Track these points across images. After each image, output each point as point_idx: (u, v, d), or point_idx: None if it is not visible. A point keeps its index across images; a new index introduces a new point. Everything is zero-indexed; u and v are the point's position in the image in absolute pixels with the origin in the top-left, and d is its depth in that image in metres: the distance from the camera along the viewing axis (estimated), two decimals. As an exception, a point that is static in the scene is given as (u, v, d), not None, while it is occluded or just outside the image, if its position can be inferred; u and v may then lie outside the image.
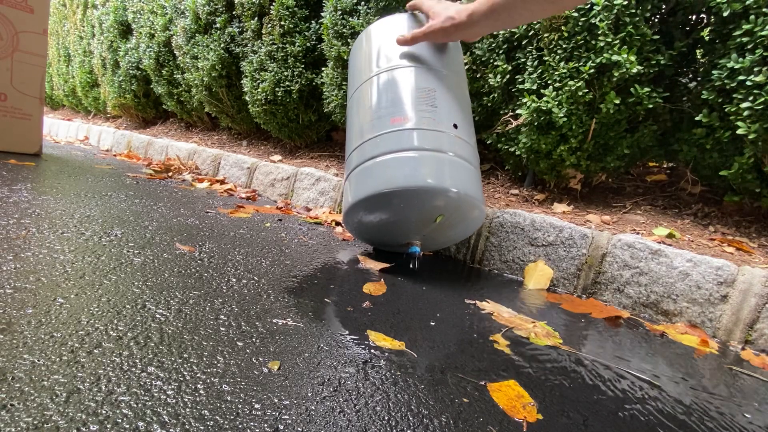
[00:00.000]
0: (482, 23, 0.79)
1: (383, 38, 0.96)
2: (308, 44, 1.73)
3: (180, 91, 2.53)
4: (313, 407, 0.40)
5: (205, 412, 0.37)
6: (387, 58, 0.93)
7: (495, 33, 1.20)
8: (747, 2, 0.91)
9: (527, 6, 0.75)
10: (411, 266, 0.91)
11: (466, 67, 1.28)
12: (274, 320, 0.57)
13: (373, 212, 0.88)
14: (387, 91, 0.89)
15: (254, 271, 0.76)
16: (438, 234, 0.95)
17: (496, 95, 1.25)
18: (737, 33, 0.93)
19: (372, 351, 0.54)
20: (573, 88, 1.04)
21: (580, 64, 1.04)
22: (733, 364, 0.71)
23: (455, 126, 0.86)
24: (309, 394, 0.42)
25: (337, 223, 1.30)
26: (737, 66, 0.92)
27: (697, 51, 1.11)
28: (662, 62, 1.04)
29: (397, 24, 0.96)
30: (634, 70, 1.00)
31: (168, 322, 0.52)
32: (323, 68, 1.65)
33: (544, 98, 1.09)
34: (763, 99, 0.88)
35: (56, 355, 0.41)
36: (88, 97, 3.66)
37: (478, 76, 1.28)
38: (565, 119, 1.08)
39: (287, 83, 1.77)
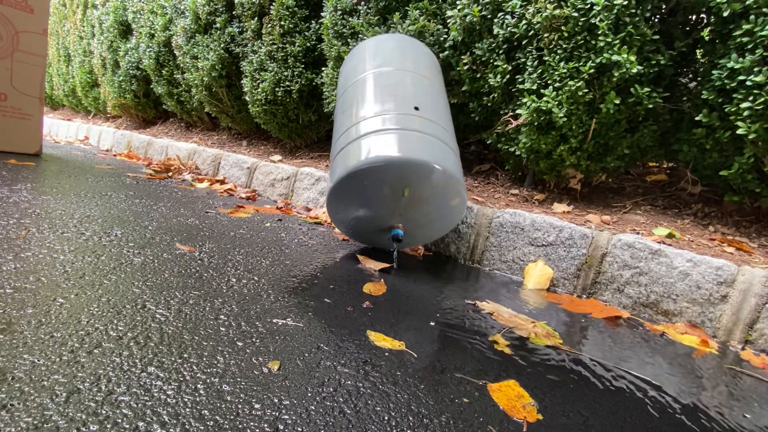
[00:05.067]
0: None
1: (360, 56, 1.10)
2: (308, 44, 1.73)
3: (180, 91, 2.53)
4: (313, 407, 0.40)
5: (205, 412, 0.37)
6: (360, 69, 1.06)
7: (495, 33, 1.20)
8: (747, 2, 0.91)
9: None
10: (393, 265, 0.94)
11: (466, 67, 1.28)
12: (274, 320, 0.57)
13: (349, 196, 0.91)
14: (357, 92, 1.00)
15: (254, 271, 0.76)
16: (418, 215, 0.94)
17: (496, 95, 1.25)
18: (737, 33, 0.93)
19: (372, 351, 0.54)
20: (573, 88, 1.04)
21: (580, 64, 1.04)
22: (733, 364, 0.71)
23: (416, 108, 0.92)
24: (309, 394, 0.42)
25: (337, 223, 1.30)
26: (737, 66, 0.92)
27: (697, 51, 1.11)
28: (662, 62, 1.04)
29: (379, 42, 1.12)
30: (634, 70, 1.00)
31: (168, 322, 0.52)
32: (323, 68, 1.65)
33: (544, 98, 1.09)
34: (763, 99, 0.88)
35: (56, 355, 0.41)
36: (88, 97, 3.66)
37: (478, 76, 1.28)
38: (565, 119, 1.08)
39: (287, 83, 1.77)
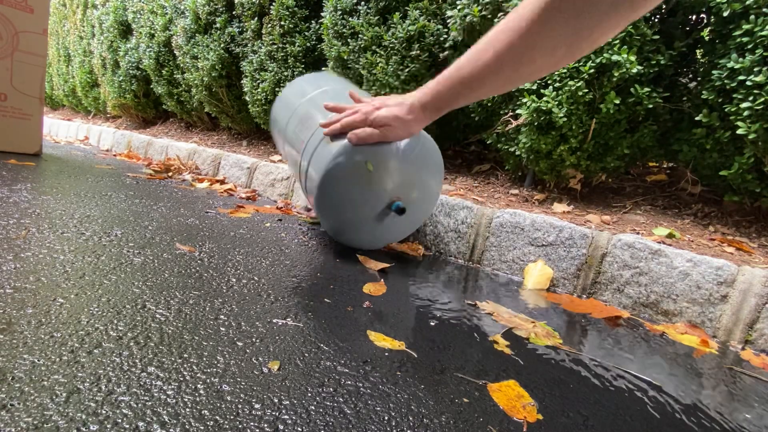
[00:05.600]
0: (427, 114, 0.79)
1: (297, 86, 1.22)
2: (308, 44, 1.73)
3: (180, 91, 2.53)
4: (313, 407, 0.40)
5: (205, 412, 0.37)
6: (300, 93, 1.16)
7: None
8: (747, 2, 0.91)
9: (475, 90, 0.70)
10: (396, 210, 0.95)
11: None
12: (274, 320, 0.57)
13: (337, 193, 0.92)
14: (309, 108, 1.08)
15: (254, 271, 0.76)
16: (402, 188, 0.95)
17: (496, 95, 1.25)
18: (737, 33, 0.93)
19: (372, 351, 0.54)
20: (573, 88, 1.04)
21: (580, 64, 1.04)
22: (733, 364, 0.71)
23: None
24: (309, 394, 0.42)
25: (337, 223, 1.30)
26: (737, 66, 0.92)
27: (697, 51, 1.11)
28: (662, 62, 1.04)
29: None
30: (634, 70, 1.00)
31: (168, 322, 0.52)
32: (323, 68, 1.65)
33: (544, 98, 1.09)
34: (763, 99, 0.88)
35: (56, 355, 0.41)
36: (88, 97, 3.66)
37: (478, 76, 1.28)
38: (565, 119, 1.08)
39: (287, 83, 1.77)
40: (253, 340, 0.51)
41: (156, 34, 2.49)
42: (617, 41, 1.00)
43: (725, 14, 0.95)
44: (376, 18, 1.42)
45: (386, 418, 0.41)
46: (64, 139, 3.42)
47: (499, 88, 0.70)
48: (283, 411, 0.39)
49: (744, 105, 0.91)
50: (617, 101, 1.03)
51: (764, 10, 0.89)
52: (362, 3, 1.45)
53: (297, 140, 1.05)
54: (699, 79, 1.09)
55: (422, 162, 0.94)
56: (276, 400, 0.40)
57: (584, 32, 0.56)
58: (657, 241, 0.92)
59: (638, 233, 1.00)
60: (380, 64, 1.37)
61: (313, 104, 1.06)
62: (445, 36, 1.34)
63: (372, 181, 0.91)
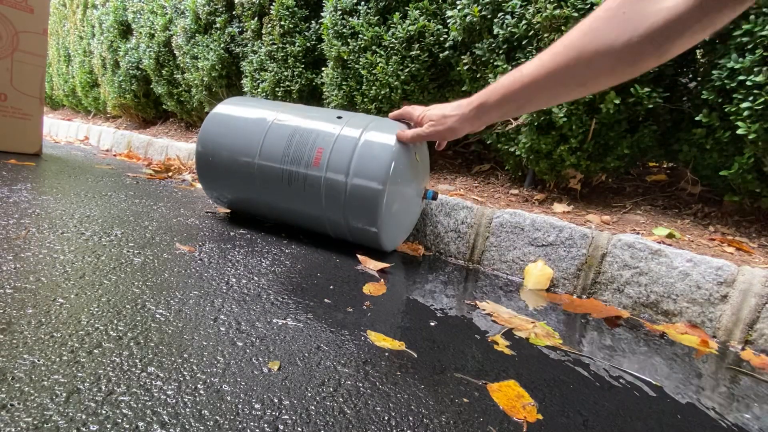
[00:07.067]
0: (491, 114, 0.74)
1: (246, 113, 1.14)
2: (308, 44, 1.73)
3: (180, 91, 2.53)
4: (313, 407, 0.40)
5: (205, 412, 0.37)
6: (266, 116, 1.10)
7: (495, 33, 1.20)
8: (747, 2, 0.91)
9: (548, 95, 0.66)
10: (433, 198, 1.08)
11: (466, 67, 1.28)
12: (274, 320, 0.57)
13: (395, 191, 0.96)
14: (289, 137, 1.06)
15: (254, 271, 0.76)
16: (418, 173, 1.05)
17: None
18: (737, 33, 0.93)
19: (372, 351, 0.54)
20: (573, 88, 1.04)
21: (580, 64, 1.04)
22: (733, 364, 0.71)
23: (339, 117, 1.00)
24: (309, 394, 0.42)
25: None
26: (737, 66, 0.92)
27: (697, 51, 1.11)
28: (662, 62, 1.03)
29: None
30: (634, 70, 0.99)
31: (168, 322, 0.52)
32: (323, 68, 1.65)
33: (544, 98, 1.09)
34: (763, 99, 0.88)
35: (56, 355, 0.41)
36: (88, 97, 3.65)
37: (478, 76, 1.28)
38: (565, 119, 1.08)
39: (287, 83, 1.77)
40: (253, 340, 0.51)
41: (156, 34, 2.49)
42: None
43: (725, 14, 0.95)
44: (376, 18, 1.41)
45: (386, 418, 0.41)
46: (64, 139, 3.42)
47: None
48: (283, 411, 0.39)
49: (744, 105, 0.91)
50: (617, 101, 1.03)
51: (764, 10, 0.89)
52: (362, 3, 1.45)
53: (300, 154, 0.97)
54: (699, 79, 1.09)
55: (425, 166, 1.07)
56: (276, 400, 0.40)
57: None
58: (657, 241, 0.92)
59: (638, 233, 1.00)
60: (380, 64, 1.37)
61: (309, 118, 1.01)
62: (445, 36, 1.34)
63: (417, 170, 1.02)
